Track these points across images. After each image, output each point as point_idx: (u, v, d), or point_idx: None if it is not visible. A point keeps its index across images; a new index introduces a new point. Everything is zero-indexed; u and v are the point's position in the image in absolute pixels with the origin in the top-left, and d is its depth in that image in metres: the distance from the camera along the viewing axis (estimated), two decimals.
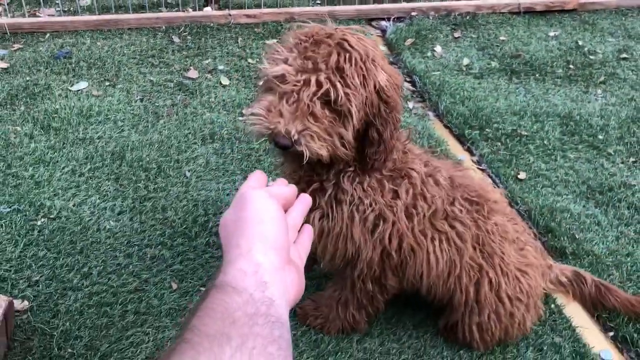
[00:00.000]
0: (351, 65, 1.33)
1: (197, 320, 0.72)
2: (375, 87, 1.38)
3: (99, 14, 3.71)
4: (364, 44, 1.39)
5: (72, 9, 3.87)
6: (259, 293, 0.76)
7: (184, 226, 2.25)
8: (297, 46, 1.36)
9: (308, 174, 1.56)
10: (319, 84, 1.31)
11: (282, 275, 0.82)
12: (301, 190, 1.59)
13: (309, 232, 0.99)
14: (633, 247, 2.25)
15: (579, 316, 2.00)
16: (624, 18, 4.14)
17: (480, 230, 1.67)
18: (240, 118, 2.87)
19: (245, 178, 2.45)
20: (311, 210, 1.57)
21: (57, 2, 3.84)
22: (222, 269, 0.80)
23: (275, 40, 3.50)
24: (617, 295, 1.95)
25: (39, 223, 2.22)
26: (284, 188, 0.99)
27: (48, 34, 3.56)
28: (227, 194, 2.41)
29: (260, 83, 1.45)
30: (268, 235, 0.83)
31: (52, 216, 2.25)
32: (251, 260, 0.80)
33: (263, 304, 0.75)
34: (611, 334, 1.96)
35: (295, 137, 1.32)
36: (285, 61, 1.35)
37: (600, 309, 2.00)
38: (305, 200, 1.01)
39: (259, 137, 1.39)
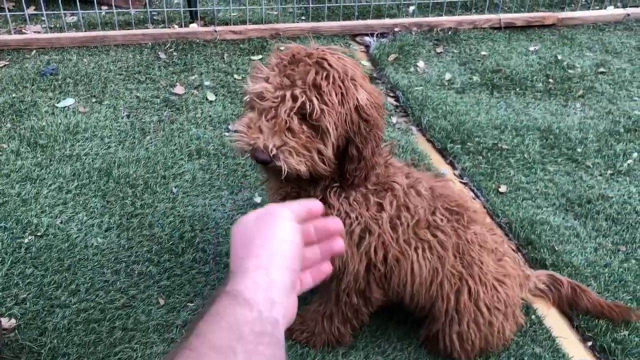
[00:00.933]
0: (328, 83, 1.38)
1: (205, 326, 0.74)
2: (354, 105, 1.43)
3: (85, 31, 3.74)
4: (344, 63, 1.43)
5: (58, 25, 3.89)
6: (267, 312, 0.78)
7: (171, 242, 2.27)
8: (278, 65, 1.42)
9: (295, 190, 1.60)
10: (295, 98, 1.36)
11: (287, 298, 0.84)
12: None
13: (320, 273, 0.97)
14: (611, 258, 2.31)
15: (558, 327, 2.06)
16: (601, 33, 4.24)
17: (460, 239, 1.72)
18: (226, 134, 2.91)
19: (231, 193, 2.49)
20: None
21: (43, 19, 3.86)
22: (235, 272, 0.82)
23: (259, 57, 3.56)
24: (589, 297, 2.03)
25: (26, 241, 2.24)
26: (309, 203, 0.97)
27: (34, 51, 3.58)
28: (214, 210, 2.44)
29: (245, 102, 1.50)
30: (287, 256, 0.85)
31: (39, 234, 2.27)
32: (267, 275, 0.82)
33: (269, 323, 0.78)
34: (589, 343, 2.01)
35: (274, 152, 1.37)
36: (266, 80, 1.40)
37: (575, 309, 2.08)
38: (336, 245, 0.97)
39: (241, 153, 1.43)
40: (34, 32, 3.75)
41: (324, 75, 1.38)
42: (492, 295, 1.77)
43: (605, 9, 4.53)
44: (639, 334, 2.00)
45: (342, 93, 1.40)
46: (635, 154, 2.92)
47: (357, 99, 1.43)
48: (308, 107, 1.36)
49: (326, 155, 1.44)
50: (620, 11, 4.46)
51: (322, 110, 1.37)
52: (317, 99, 1.36)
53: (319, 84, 1.37)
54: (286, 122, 1.37)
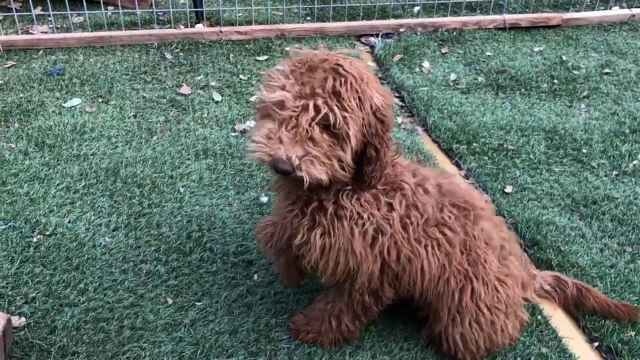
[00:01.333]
0: (347, 89, 1.38)
1: None
2: (371, 107, 1.44)
3: (91, 31, 3.75)
4: (357, 67, 1.44)
5: (65, 26, 3.91)
6: None
7: (179, 242, 2.29)
8: (293, 73, 1.41)
9: (306, 193, 1.61)
10: (317, 109, 1.36)
11: None
12: (300, 208, 1.64)
13: None
14: (616, 258, 2.31)
15: (565, 327, 2.06)
16: (606, 33, 4.24)
17: (467, 235, 1.73)
18: (233, 134, 2.92)
19: (238, 193, 2.50)
20: (312, 228, 1.61)
21: (50, 19, 3.88)
22: None
23: (265, 57, 3.57)
24: (596, 296, 2.04)
25: (34, 240, 2.25)
26: None
27: (41, 51, 3.59)
28: (221, 209, 2.45)
29: (257, 109, 1.49)
30: None
31: (47, 233, 2.28)
32: None
33: None
34: (596, 344, 2.02)
35: (296, 162, 1.37)
36: (283, 88, 1.40)
37: (581, 309, 2.08)
38: None
39: (260, 164, 1.42)
40: (41, 32, 3.77)
41: (342, 81, 1.38)
42: (492, 296, 1.78)
43: (610, 9, 4.53)
44: None
45: (359, 97, 1.40)
46: None
47: (374, 101, 1.43)
48: (331, 118, 1.36)
49: (345, 161, 1.45)
50: (626, 12, 4.46)
51: (344, 117, 1.37)
52: (338, 107, 1.37)
53: (338, 91, 1.37)
54: (307, 132, 1.37)
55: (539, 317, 2.06)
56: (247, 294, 2.09)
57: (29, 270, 2.13)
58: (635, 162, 2.88)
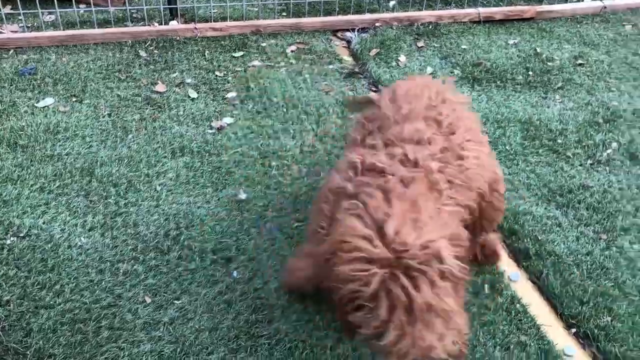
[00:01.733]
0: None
1: None
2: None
3: (63, 30, 3.69)
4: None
5: (36, 24, 3.84)
6: None
7: (156, 240, 2.26)
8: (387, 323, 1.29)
9: None
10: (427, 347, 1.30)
11: None
12: None
13: None
14: (592, 246, 2.34)
15: (543, 315, 2.08)
16: (579, 25, 4.29)
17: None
18: (209, 131, 2.89)
19: (216, 190, 2.48)
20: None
21: (20, 18, 3.81)
22: None
23: (241, 54, 3.53)
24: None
25: (8, 242, 2.21)
26: None
27: (12, 51, 3.53)
28: (198, 207, 2.43)
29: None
30: None
31: (21, 235, 2.24)
32: None
33: None
34: (574, 330, 2.04)
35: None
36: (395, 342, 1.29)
37: None
38: None
39: None
40: (11, 31, 3.69)
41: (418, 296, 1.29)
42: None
43: (582, 1, 4.59)
44: (621, 320, 2.04)
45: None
46: (614, 144, 2.96)
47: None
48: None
49: None
50: (597, 4, 4.52)
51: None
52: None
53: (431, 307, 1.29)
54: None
55: (518, 305, 2.08)
56: (227, 291, 2.08)
57: (3, 273, 2.08)
58: (609, 151, 2.92)
